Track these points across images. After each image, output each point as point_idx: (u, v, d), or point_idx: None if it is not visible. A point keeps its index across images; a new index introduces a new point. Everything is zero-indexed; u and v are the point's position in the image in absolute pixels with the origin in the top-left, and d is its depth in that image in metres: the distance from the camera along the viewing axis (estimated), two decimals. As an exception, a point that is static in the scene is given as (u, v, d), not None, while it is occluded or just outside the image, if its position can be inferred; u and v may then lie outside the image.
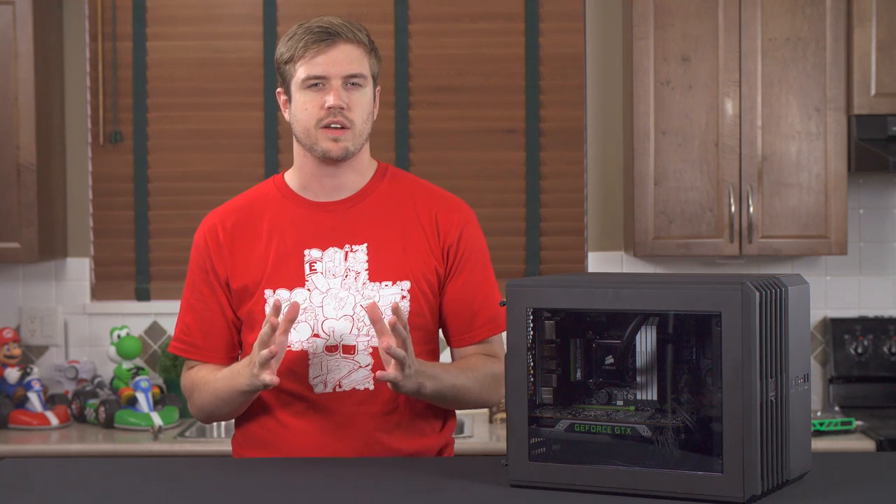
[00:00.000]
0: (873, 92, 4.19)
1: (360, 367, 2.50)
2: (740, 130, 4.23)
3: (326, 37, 2.47)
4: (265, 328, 2.33)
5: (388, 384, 2.38)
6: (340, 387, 2.49)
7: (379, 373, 2.35)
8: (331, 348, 2.49)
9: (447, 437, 2.62)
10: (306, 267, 2.52)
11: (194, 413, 2.63)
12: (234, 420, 2.63)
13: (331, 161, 2.51)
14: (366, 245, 2.52)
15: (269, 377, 2.35)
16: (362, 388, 2.49)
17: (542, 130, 4.59)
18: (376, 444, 2.50)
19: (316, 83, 2.47)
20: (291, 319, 2.36)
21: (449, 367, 2.52)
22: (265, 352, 2.33)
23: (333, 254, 2.52)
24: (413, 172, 4.46)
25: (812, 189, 4.23)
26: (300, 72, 2.48)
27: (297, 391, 2.50)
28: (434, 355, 2.60)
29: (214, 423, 4.28)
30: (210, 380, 2.54)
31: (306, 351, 2.50)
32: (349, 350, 2.49)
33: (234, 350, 2.62)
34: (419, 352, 2.52)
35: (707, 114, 4.24)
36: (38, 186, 4.32)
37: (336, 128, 2.47)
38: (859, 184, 4.55)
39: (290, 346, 2.50)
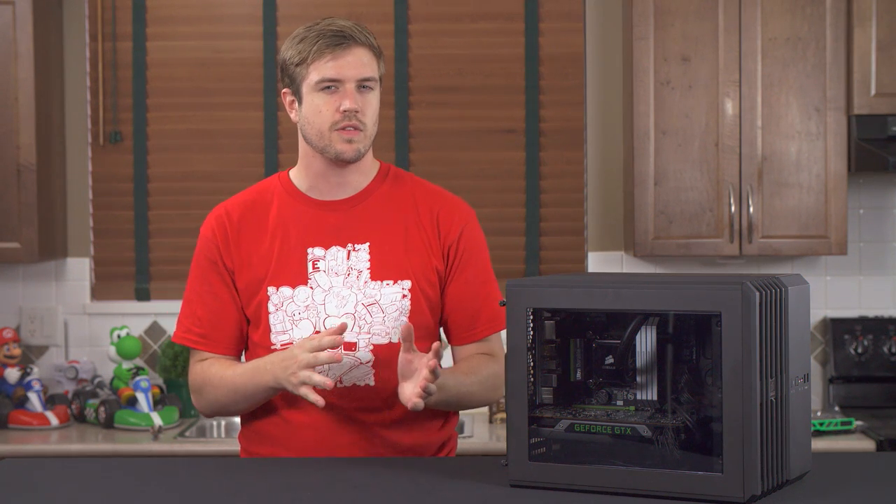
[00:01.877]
0: (873, 92, 4.19)
1: (361, 363, 2.52)
2: (740, 130, 4.23)
3: (341, 40, 2.48)
4: (322, 354, 2.37)
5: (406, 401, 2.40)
6: (342, 382, 2.51)
7: (414, 403, 2.37)
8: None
9: (449, 433, 2.64)
10: (309, 265, 2.54)
11: (202, 407, 2.63)
12: (239, 417, 2.65)
13: (342, 162, 2.53)
14: (368, 244, 2.54)
15: (315, 397, 2.38)
16: (363, 383, 2.52)
17: (542, 130, 4.59)
18: (377, 438, 2.52)
19: (330, 86, 2.49)
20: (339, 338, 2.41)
21: (455, 373, 2.53)
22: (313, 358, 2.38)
23: (336, 252, 2.54)
24: (413, 172, 4.44)
25: (812, 189, 4.23)
26: (313, 74, 2.49)
27: None
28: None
29: (214, 423, 4.30)
30: (227, 375, 2.55)
31: None
32: (350, 347, 2.52)
33: (243, 342, 2.63)
34: (418, 348, 2.53)
35: (707, 114, 4.24)
36: (38, 186, 4.32)
37: (350, 130, 2.49)
38: (859, 184, 4.55)
39: (292, 343, 2.52)
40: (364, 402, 2.52)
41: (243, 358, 2.67)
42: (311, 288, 2.53)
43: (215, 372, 2.57)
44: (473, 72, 4.58)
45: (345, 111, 2.48)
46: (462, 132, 4.59)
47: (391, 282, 2.53)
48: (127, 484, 2.24)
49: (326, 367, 2.50)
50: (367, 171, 2.60)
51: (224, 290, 2.58)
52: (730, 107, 4.23)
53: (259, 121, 4.58)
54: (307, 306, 2.52)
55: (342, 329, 2.39)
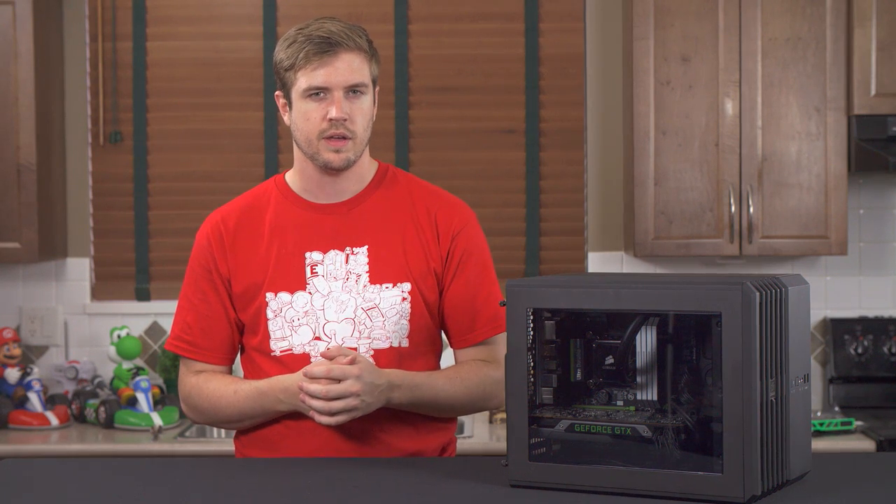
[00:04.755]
0: (873, 92, 4.19)
1: None
2: (740, 130, 4.23)
3: (328, 47, 2.45)
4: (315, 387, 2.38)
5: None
6: None
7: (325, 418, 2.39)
8: None
9: (449, 436, 2.62)
10: (307, 270, 2.52)
11: (196, 419, 2.62)
12: None
13: (333, 171, 2.52)
14: (366, 247, 2.52)
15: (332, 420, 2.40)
16: None
17: (542, 130, 4.59)
18: (378, 443, 2.50)
19: (317, 93, 2.47)
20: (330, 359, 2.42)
21: (434, 376, 2.51)
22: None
23: (335, 256, 2.52)
24: (413, 172, 4.46)
25: (812, 189, 4.23)
26: (301, 81, 2.47)
27: None
28: (436, 356, 2.60)
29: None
30: (227, 395, 2.53)
31: (308, 354, 2.50)
32: None
33: (234, 350, 2.61)
34: (419, 353, 2.52)
35: (707, 114, 4.24)
36: (38, 186, 4.32)
37: (338, 139, 2.47)
38: (859, 184, 4.55)
39: (291, 350, 2.51)
40: None
41: (239, 365, 2.65)
42: (310, 293, 2.51)
43: (213, 389, 2.55)
44: (473, 72, 4.58)
45: (331, 120, 2.45)
46: (462, 132, 4.59)
47: (390, 285, 2.52)
48: (127, 484, 2.24)
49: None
50: (363, 174, 2.58)
51: (216, 299, 2.57)
52: (730, 107, 4.22)
53: (259, 121, 4.58)
54: (306, 312, 2.51)
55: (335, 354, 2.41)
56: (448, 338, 2.61)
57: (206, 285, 2.58)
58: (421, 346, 2.53)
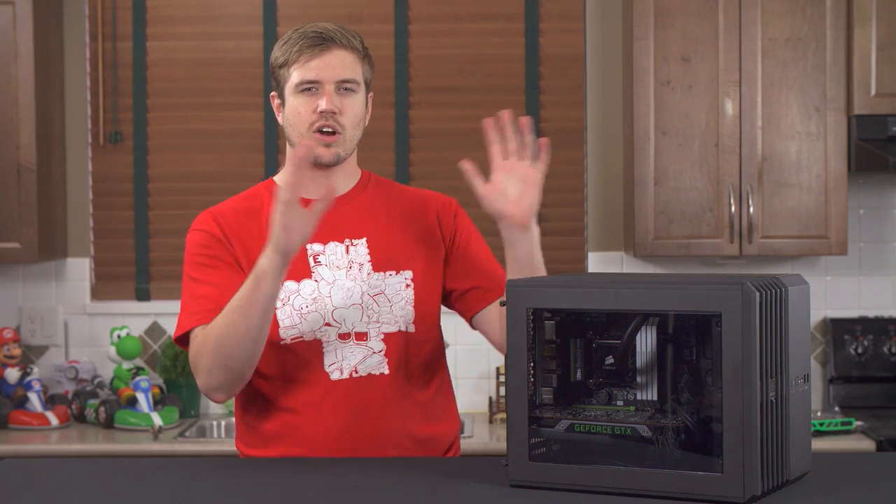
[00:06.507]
0: (873, 92, 4.19)
1: (374, 352, 2.52)
2: (740, 130, 4.23)
3: (321, 42, 2.49)
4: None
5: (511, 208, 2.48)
6: (357, 373, 2.51)
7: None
8: (343, 336, 2.51)
9: (456, 431, 2.65)
10: (310, 259, 2.54)
11: (206, 368, 2.43)
12: (241, 420, 2.60)
13: (322, 166, 2.54)
14: (365, 239, 2.56)
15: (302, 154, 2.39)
16: (378, 372, 2.52)
17: (542, 130, 4.59)
18: (393, 428, 2.52)
19: (309, 87, 2.50)
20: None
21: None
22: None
23: (335, 248, 2.55)
24: (413, 172, 4.48)
25: (812, 189, 4.23)
26: (294, 76, 2.51)
27: (314, 380, 2.51)
28: (439, 345, 2.63)
29: (214, 424, 4.29)
30: (224, 310, 2.40)
31: (320, 340, 2.51)
32: (361, 337, 2.52)
33: None
34: (425, 339, 2.55)
35: (707, 114, 4.24)
36: (38, 186, 4.32)
37: (328, 132, 2.50)
38: (859, 184, 4.55)
39: (302, 337, 2.51)
40: (380, 392, 2.52)
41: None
42: (316, 281, 2.53)
43: (210, 324, 2.43)
44: (473, 72, 4.58)
45: (321, 112, 2.48)
46: (462, 132, 4.59)
47: (393, 272, 2.55)
48: (127, 484, 2.24)
49: (341, 357, 2.49)
50: (351, 175, 2.63)
51: (231, 261, 2.50)
52: (730, 107, 4.23)
53: (259, 121, 4.58)
54: (314, 299, 2.52)
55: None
56: (466, 308, 2.61)
57: (218, 257, 2.49)
58: (426, 333, 2.55)
